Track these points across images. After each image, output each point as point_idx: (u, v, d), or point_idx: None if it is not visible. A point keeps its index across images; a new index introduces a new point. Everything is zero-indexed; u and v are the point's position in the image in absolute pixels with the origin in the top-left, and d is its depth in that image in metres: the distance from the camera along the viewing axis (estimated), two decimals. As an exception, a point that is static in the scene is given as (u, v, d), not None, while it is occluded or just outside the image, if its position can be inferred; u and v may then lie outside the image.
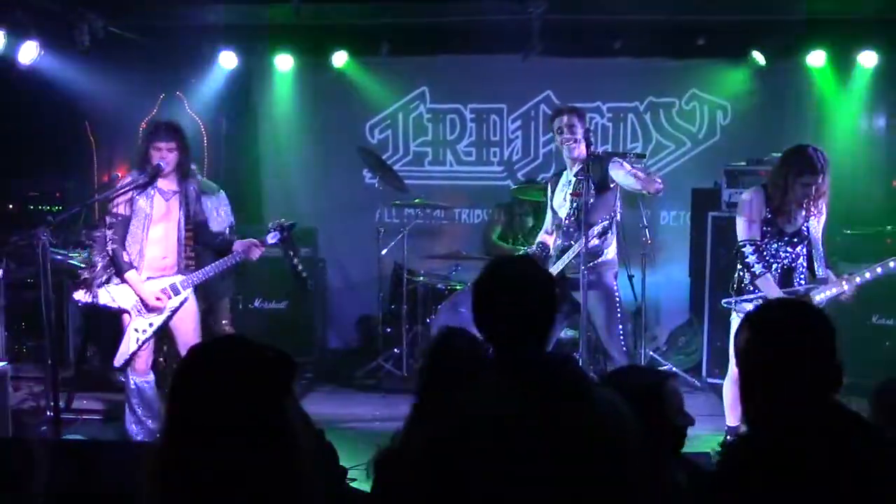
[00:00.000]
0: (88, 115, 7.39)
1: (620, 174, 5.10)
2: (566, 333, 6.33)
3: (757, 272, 4.68)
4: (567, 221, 5.29)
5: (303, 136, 8.05)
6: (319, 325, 7.51)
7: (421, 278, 6.99)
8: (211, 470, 1.70)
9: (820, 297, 4.65)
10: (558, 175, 5.52)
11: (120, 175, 7.06)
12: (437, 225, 7.99)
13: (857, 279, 4.63)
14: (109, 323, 7.05)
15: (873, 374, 6.46)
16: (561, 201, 5.37)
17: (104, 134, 7.67)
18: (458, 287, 6.79)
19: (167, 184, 4.91)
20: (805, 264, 4.80)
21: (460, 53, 7.72)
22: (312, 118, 8.05)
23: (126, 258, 4.80)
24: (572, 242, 5.16)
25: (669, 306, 7.49)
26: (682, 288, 7.42)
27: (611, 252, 5.27)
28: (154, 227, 4.88)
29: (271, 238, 4.99)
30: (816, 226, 4.76)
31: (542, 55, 7.31)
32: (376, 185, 7.05)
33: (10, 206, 6.93)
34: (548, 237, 5.52)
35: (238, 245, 4.97)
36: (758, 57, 7.30)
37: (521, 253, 6.42)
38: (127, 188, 4.82)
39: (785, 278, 4.77)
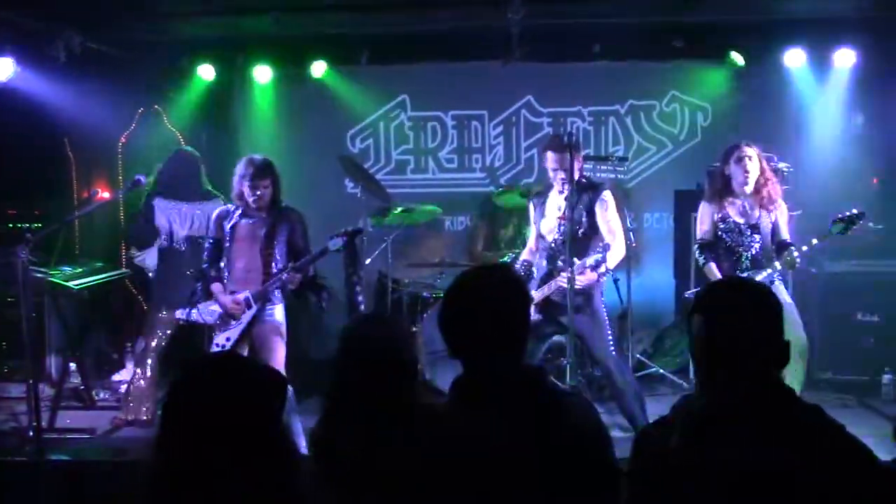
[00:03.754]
0: (67, 131, 7.33)
1: (600, 216, 5.15)
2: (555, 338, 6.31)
3: (701, 262, 5.42)
4: (554, 246, 5.26)
5: (283, 148, 7.97)
6: (304, 336, 7.45)
7: (406, 287, 6.96)
8: (203, 489, 1.67)
9: (759, 278, 5.12)
10: (543, 194, 5.45)
11: (99, 191, 7.00)
12: (421, 233, 7.95)
13: (778, 264, 5.21)
14: (91, 338, 7.04)
15: (857, 371, 6.62)
16: (551, 226, 5.30)
17: (83, 150, 7.60)
18: (443, 295, 6.75)
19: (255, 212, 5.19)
20: (756, 253, 5.33)
21: (440, 60, 7.70)
22: (293, 129, 8.01)
23: (213, 273, 5.16)
24: (555, 270, 5.15)
25: (655, 308, 7.49)
26: (668, 290, 7.42)
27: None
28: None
29: (332, 245, 5.08)
30: (769, 220, 5.35)
31: (521, 60, 7.31)
32: (358, 195, 7.01)
33: (-11, 226, 6.85)
34: (532, 256, 5.51)
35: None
36: (736, 58, 7.32)
37: (501, 261, 6.42)
38: None
39: (740, 265, 5.32)
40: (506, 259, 6.57)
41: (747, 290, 2.22)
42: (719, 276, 5.25)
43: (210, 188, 6.21)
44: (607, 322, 5.25)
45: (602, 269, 5.04)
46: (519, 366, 2.16)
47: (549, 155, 5.22)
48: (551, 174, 5.26)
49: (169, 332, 5.88)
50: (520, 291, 2.24)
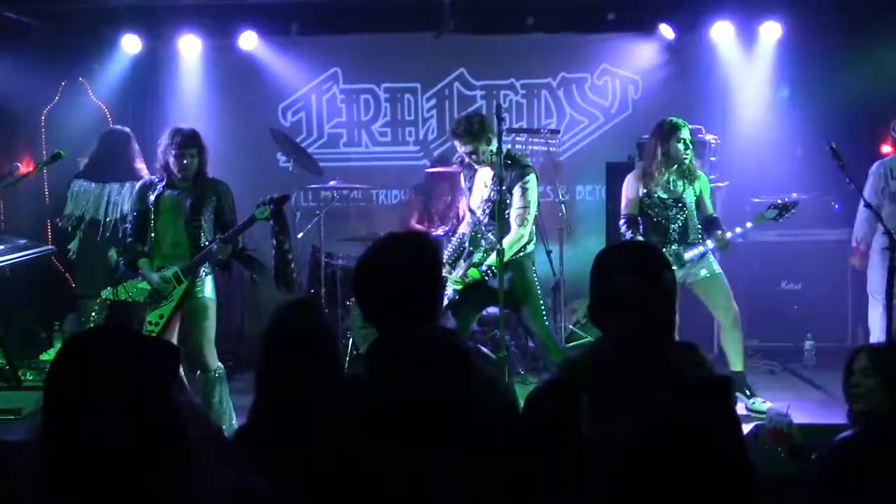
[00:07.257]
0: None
1: (514, 199, 5.09)
2: (488, 311, 6.35)
3: (628, 237, 5.39)
4: (477, 226, 5.29)
5: (213, 121, 7.79)
6: (238, 311, 7.39)
7: (339, 261, 6.93)
8: (94, 464, 1.63)
9: (689, 255, 5.37)
10: (473, 167, 5.38)
11: (20, 165, 6.79)
12: (354, 207, 7.91)
13: (710, 242, 5.37)
14: (17, 317, 6.86)
15: (782, 337, 6.81)
16: (478, 203, 5.31)
17: (3, 123, 7.35)
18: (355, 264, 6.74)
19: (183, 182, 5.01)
20: (683, 225, 5.44)
21: (372, 32, 7.63)
22: (222, 102, 7.84)
23: (140, 248, 5.00)
24: (477, 248, 5.24)
25: (588, 280, 7.52)
26: (600, 261, 7.50)
27: (529, 245, 5.25)
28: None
29: (259, 213, 4.89)
30: (693, 193, 5.44)
31: (454, 32, 7.29)
32: (290, 169, 6.94)
33: None
34: (467, 229, 5.51)
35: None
36: (666, 31, 7.41)
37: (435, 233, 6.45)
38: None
39: (668, 239, 5.42)
40: (439, 233, 6.58)
41: (635, 252, 2.33)
42: None
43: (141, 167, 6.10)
44: (539, 292, 5.30)
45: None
46: (431, 328, 2.21)
47: (455, 142, 5.25)
48: (467, 158, 5.27)
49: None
50: (426, 258, 2.27)
